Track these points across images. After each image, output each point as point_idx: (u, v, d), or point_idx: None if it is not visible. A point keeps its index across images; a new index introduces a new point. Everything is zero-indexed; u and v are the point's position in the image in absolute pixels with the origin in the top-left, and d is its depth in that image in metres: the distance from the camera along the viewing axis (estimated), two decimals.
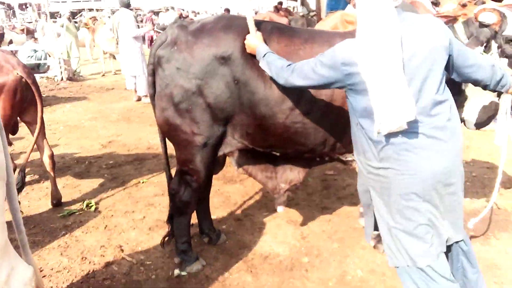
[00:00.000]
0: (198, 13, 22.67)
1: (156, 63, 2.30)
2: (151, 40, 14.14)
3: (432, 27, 1.67)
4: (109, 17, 14.43)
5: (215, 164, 2.63)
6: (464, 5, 5.53)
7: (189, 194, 2.49)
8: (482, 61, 1.83)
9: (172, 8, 16.56)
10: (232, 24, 2.29)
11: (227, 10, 14.59)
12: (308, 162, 2.62)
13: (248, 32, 2.17)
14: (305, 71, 1.82)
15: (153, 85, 2.37)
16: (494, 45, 2.32)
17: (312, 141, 2.35)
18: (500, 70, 1.89)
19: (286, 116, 2.23)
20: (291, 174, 2.61)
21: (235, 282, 2.53)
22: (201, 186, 2.51)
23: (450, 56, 1.73)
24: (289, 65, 1.91)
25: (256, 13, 11.12)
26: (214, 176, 2.93)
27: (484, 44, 2.33)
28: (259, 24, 2.25)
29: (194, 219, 2.82)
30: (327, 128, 2.31)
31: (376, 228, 2.02)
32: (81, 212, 3.41)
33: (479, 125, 2.53)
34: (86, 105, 7.59)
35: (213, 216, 3.29)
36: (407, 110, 1.56)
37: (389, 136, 1.66)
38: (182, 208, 2.54)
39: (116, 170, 4.35)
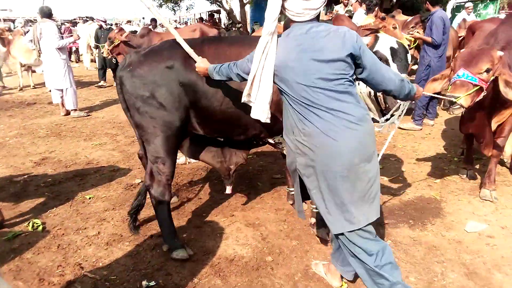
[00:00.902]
0: (120, 24, 21.95)
1: (120, 82, 2.83)
2: (70, 51, 13.37)
3: (336, 39, 1.96)
4: (22, 27, 13.48)
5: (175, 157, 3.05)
6: (383, 19, 6.15)
7: (161, 184, 2.87)
8: (392, 76, 2.12)
9: (92, 19, 15.83)
10: (172, 45, 2.84)
11: (154, 21, 14.38)
12: (248, 145, 3.26)
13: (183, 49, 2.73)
14: (243, 64, 2.29)
15: (123, 100, 2.87)
16: None
17: (244, 124, 2.91)
18: (408, 84, 2.21)
19: (220, 103, 2.81)
20: (236, 157, 3.25)
21: (205, 287, 2.58)
22: (169, 174, 2.88)
23: (359, 64, 2.03)
24: (231, 63, 2.39)
25: (186, 23, 11.11)
26: None
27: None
28: (192, 42, 2.82)
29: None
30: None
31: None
32: (27, 234, 3.20)
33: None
34: (7, 121, 7.02)
35: None
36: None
37: None
38: (159, 198, 2.88)
39: (57, 187, 4.12)
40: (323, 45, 1.95)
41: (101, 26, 10.85)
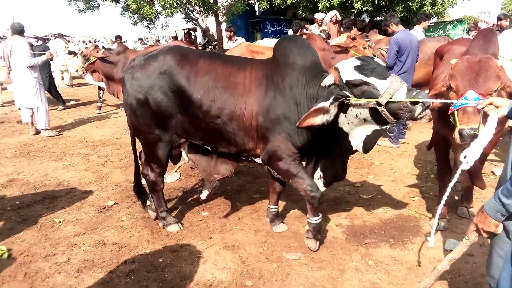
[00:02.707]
0: (89, 42, 21.63)
1: (123, 83, 3.13)
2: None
3: None
4: None
5: (170, 154, 3.38)
6: (353, 38, 6.24)
7: (154, 177, 3.40)
8: None
9: (61, 35, 15.51)
10: (168, 49, 3.10)
11: (119, 38, 14.25)
12: (236, 159, 3.30)
13: (180, 54, 3.05)
14: None
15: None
16: (349, 93, 2.58)
17: (226, 139, 3.05)
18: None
19: (204, 116, 2.97)
20: (222, 168, 3.34)
21: None
22: (161, 170, 3.37)
23: None
24: None
25: (158, 41, 11.04)
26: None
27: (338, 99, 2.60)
28: (189, 51, 3.14)
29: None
30: (232, 130, 2.98)
31: None
32: None
33: (367, 150, 2.86)
34: None
35: (146, 250, 3.17)
36: None
37: None
38: (153, 186, 3.46)
39: (25, 211, 3.91)
40: None
41: (31, 43, 10.54)
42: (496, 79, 2.44)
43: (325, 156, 3.13)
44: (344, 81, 2.57)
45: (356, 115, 2.64)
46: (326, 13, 9.11)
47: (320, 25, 8.80)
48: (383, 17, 15.03)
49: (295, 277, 2.85)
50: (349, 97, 2.57)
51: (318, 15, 8.89)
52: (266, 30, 16.88)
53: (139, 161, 3.71)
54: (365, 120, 2.64)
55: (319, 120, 2.61)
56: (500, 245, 1.82)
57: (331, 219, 3.74)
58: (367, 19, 15.35)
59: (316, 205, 3.08)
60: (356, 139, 2.83)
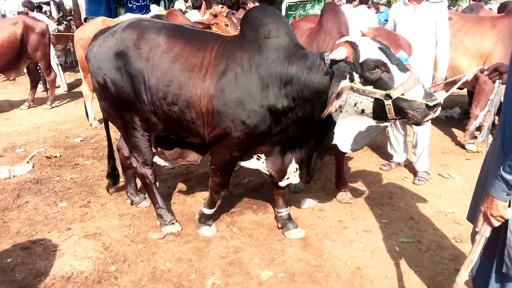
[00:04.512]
0: None
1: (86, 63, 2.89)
2: None
3: None
4: None
5: (149, 143, 3.04)
6: (215, 15, 6.31)
7: (139, 167, 3.05)
8: None
9: None
10: (130, 26, 2.77)
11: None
12: (204, 149, 3.01)
13: (138, 33, 2.73)
14: None
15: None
16: (356, 76, 2.19)
17: (186, 129, 2.77)
18: None
19: (161, 104, 2.68)
20: (190, 155, 3.10)
21: None
22: (145, 159, 3.02)
23: None
24: None
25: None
26: None
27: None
28: (153, 28, 2.75)
29: None
30: (190, 119, 2.68)
31: None
32: None
33: (354, 149, 2.48)
34: None
35: None
36: None
37: None
38: (142, 179, 3.12)
39: None
40: None
41: None
42: None
43: (304, 148, 2.71)
44: (361, 60, 2.14)
45: (355, 104, 2.23)
46: None
47: (186, 1, 8.64)
48: None
49: (162, 254, 2.85)
50: (354, 80, 2.19)
51: None
52: (130, 5, 15.95)
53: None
54: (362, 111, 2.25)
55: (333, 108, 2.17)
56: None
57: (199, 194, 3.80)
58: None
59: (216, 201, 3.08)
60: (344, 133, 2.40)
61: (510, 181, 1.52)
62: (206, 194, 3.61)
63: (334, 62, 2.22)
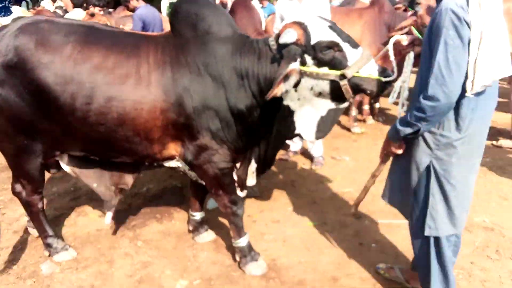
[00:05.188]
0: None
1: None
2: None
3: None
4: None
5: (43, 168, 2.57)
6: (92, 15, 5.87)
7: (27, 195, 2.60)
8: None
9: None
10: (25, 29, 2.22)
11: None
12: (136, 167, 2.60)
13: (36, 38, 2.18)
14: None
15: None
16: (308, 58, 2.11)
17: (117, 148, 2.37)
18: None
19: (81, 124, 2.25)
20: (121, 178, 2.61)
21: None
22: (36, 187, 2.59)
23: None
24: None
25: None
26: None
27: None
28: (55, 31, 2.24)
29: None
30: (126, 138, 2.29)
31: None
32: None
33: (319, 136, 2.37)
34: None
35: None
36: None
37: None
38: (28, 207, 2.67)
39: None
40: None
41: None
42: None
43: (262, 144, 2.51)
44: (312, 42, 2.06)
45: (312, 88, 2.14)
46: None
47: (54, 1, 7.93)
48: None
49: (58, 286, 2.51)
50: (306, 63, 2.10)
51: None
52: None
53: None
54: (320, 94, 2.16)
55: (279, 91, 2.03)
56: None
57: (92, 212, 3.42)
58: None
59: (241, 224, 2.59)
60: (306, 121, 2.28)
61: (399, 130, 1.94)
62: (99, 212, 3.33)
63: (283, 46, 2.10)
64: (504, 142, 4.53)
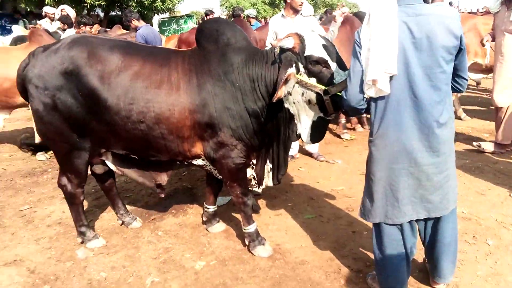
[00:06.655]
0: None
1: (22, 84, 2.71)
2: None
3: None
4: None
5: (87, 165, 2.99)
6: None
7: (73, 188, 2.97)
8: None
9: None
10: (77, 43, 2.66)
11: None
12: (170, 165, 3.00)
13: (88, 50, 2.62)
14: None
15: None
16: (301, 66, 2.49)
17: (154, 146, 2.73)
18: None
19: (124, 123, 2.62)
20: (158, 175, 3.04)
21: None
22: (81, 181, 2.98)
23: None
24: None
25: None
26: None
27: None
28: (102, 45, 2.68)
29: None
30: (161, 135, 2.67)
31: None
32: None
33: (314, 140, 2.76)
34: None
35: None
36: None
37: None
38: (71, 199, 3.04)
39: None
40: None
41: None
42: None
43: (273, 145, 2.89)
44: (306, 53, 2.44)
45: (303, 93, 2.52)
46: (56, 7, 8.62)
47: (52, 20, 8.28)
48: (118, 12, 15.20)
49: (93, 267, 2.90)
50: (299, 71, 2.47)
51: (48, 9, 8.35)
52: None
53: None
54: (309, 101, 2.53)
55: (282, 93, 2.38)
56: None
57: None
58: (101, 14, 15.16)
59: (250, 213, 2.98)
60: (303, 124, 2.66)
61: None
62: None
63: (282, 51, 2.49)
64: (485, 146, 4.84)
